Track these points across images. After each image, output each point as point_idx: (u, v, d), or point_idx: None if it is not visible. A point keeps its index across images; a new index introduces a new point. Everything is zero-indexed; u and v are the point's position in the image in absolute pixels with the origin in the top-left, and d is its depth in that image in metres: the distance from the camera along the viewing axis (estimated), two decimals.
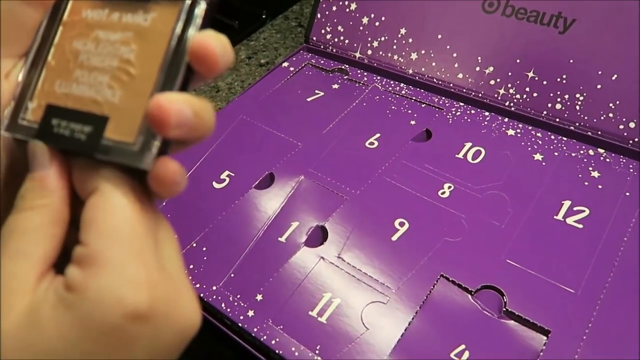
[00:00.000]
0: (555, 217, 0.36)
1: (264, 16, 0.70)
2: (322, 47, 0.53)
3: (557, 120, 0.41)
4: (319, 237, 0.37)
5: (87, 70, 0.19)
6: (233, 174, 0.42)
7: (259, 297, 0.34)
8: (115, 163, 0.17)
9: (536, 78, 0.42)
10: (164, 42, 0.17)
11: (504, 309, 0.32)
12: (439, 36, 0.46)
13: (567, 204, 0.36)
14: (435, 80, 0.46)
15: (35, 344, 0.16)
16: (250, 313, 0.33)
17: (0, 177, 0.19)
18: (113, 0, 0.19)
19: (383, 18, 0.49)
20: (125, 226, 0.17)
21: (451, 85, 0.45)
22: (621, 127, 0.39)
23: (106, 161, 0.17)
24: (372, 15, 0.49)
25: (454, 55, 0.45)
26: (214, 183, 0.41)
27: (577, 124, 0.40)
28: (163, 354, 0.17)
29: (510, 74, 0.43)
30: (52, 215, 0.18)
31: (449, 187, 0.38)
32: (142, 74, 0.18)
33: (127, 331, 0.16)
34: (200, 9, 0.17)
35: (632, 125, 0.38)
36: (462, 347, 0.30)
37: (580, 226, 0.35)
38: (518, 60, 0.42)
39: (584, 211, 0.36)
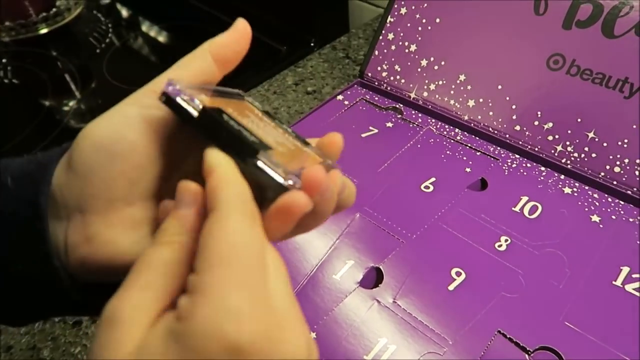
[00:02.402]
0: (613, 282, 0.36)
1: (312, 44, 0.71)
2: (376, 83, 0.53)
3: (615, 183, 0.41)
4: (373, 278, 0.37)
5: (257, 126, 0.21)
6: None
7: (313, 335, 0.33)
8: (257, 175, 0.18)
9: (596, 139, 0.42)
10: None
11: None
12: (499, 87, 0.46)
13: (625, 270, 0.36)
14: (491, 129, 0.47)
15: None
16: None
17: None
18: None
19: (443, 62, 0.49)
20: (233, 254, 0.16)
21: (507, 136, 0.46)
22: None
23: (249, 169, 0.18)
24: (432, 59, 0.50)
25: (513, 107, 0.46)
26: None
27: (635, 188, 0.40)
28: None
29: (569, 132, 0.43)
30: (183, 253, 0.18)
31: (506, 241, 0.38)
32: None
33: None
34: None
35: None
36: None
37: (639, 295, 0.35)
38: (579, 120, 0.43)
39: None
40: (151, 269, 0.17)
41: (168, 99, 0.19)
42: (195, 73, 0.22)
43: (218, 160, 0.18)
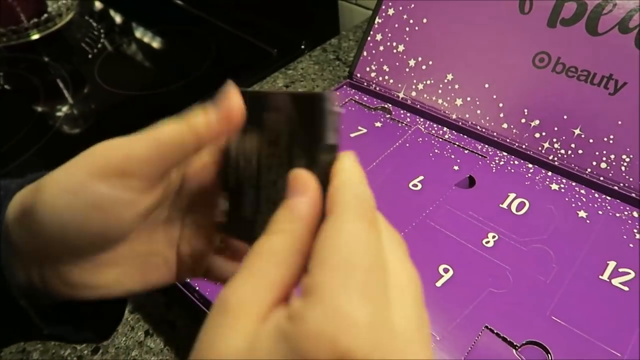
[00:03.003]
0: (600, 276, 0.36)
1: (302, 46, 0.71)
2: (365, 84, 0.53)
3: (602, 178, 0.41)
4: None
5: None
6: None
7: None
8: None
9: (582, 135, 0.42)
10: None
11: None
12: (486, 85, 0.47)
13: (612, 264, 0.36)
14: (479, 127, 0.47)
15: None
16: None
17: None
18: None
19: (430, 62, 0.50)
20: (352, 256, 0.15)
21: (495, 134, 0.46)
22: None
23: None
24: (420, 59, 0.50)
25: (500, 105, 0.46)
26: None
27: (621, 184, 0.41)
28: None
29: (556, 129, 0.43)
30: (295, 242, 0.17)
31: (494, 237, 0.39)
32: None
33: None
34: None
35: None
36: None
37: (626, 289, 0.35)
38: (565, 117, 0.43)
39: (629, 273, 0.36)
40: (262, 258, 0.17)
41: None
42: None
43: (343, 164, 0.19)
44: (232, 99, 0.21)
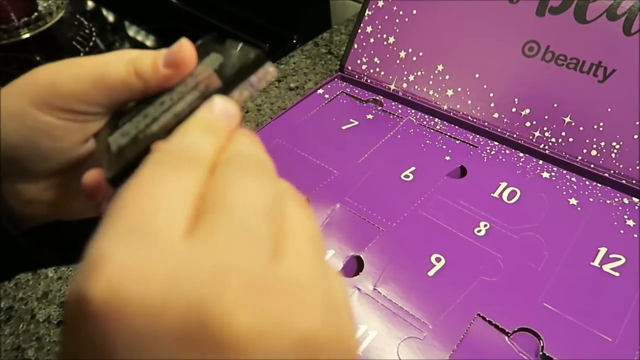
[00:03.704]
0: (591, 263, 0.36)
1: (294, 41, 0.71)
2: (356, 76, 0.53)
3: (592, 166, 0.42)
4: (354, 267, 0.37)
5: None
6: None
7: None
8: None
9: (573, 123, 0.42)
10: None
11: (541, 353, 0.32)
12: (477, 75, 0.47)
13: (603, 250, 0.37)
14: (470, 117, 0.47)
15: None
16: None
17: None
18: None
19: (421, 53, 0.50)
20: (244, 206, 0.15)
21: (486, 124, 0.46)
22: None
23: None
24: (410, 50, 0.50)
25: (491, 95, 0.46)
26: None
27: (611, 171, 0.41)
28: None
29: (546, 117, 0.43)
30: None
31: (485, 226, 0.39)
32: None
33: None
34: None
35: None
36: None
37: (617, 274, 0.35)
38: (555, 105, 0.43)
39: (620, 259, 0.36)
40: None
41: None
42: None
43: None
44: (184, 48, 0.21)
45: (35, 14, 0.76)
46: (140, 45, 0.83)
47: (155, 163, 0.16)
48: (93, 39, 0.82)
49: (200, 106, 0.19)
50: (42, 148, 0.21)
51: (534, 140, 0.44)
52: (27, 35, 0.75)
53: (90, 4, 0.94)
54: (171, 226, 0.14)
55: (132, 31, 0.87)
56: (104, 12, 0.92)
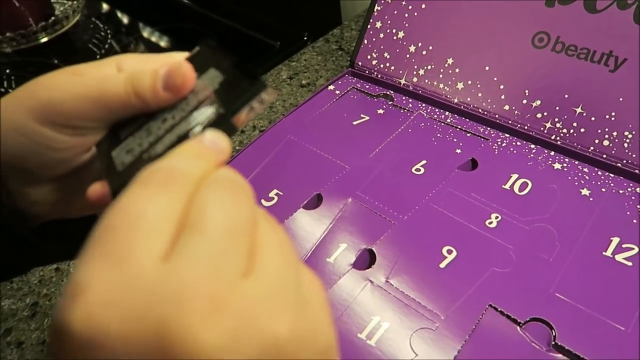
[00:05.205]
0: (604, 253, 0.36)
1: (305, 38, 0.71)
2: (367, 72, 0.54)
3: (604, 156, 0.41)
4: (366, 260, 0.38)
5: None
6: (281, 193, 0.43)
7: None
8: None
9: (584, 114, 0.42)
10: None
11: (553, 343, 0.32)
12: (487, 67, 0.47)
13: (615, 240, 0.37)
14: (480, 110, 0.47)
15: None
16: None
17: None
18: None
19: (430, 47, 0.50)
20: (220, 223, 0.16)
21: (497, 116, 0.46)
22: None
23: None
24: (420, 44, 0.50)
25: (501, 87, 0.46)
26: (262, 201, 0.42)
27: (624, 161, 0.41)
28: None
29: (557, 108, 0.43)
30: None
31: (497, 218, 0.39)
32: None
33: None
34: None
35: None
36: None
37: (630, 264, 0.35)
38: (566, 96, 0.43)
39: (633, 249, 0.36)
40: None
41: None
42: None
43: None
44: (183, 71, 0.21)
45: (52, 18, 0.77)
46: (155, 46, 0.85)
47: (141, 183, 0.17)
48: (109, 41, 0.83)
49: (202, 131, 0.20)
50: (45, 158, 0.23)
51: (545, 131, 0.44)
52: (44, 39, 0.77)
53: (105, 7, 0.96)
54: (149, 250, 0.15)
55: (146, 32, 0.88)
56: (119, 14, 0.93)
